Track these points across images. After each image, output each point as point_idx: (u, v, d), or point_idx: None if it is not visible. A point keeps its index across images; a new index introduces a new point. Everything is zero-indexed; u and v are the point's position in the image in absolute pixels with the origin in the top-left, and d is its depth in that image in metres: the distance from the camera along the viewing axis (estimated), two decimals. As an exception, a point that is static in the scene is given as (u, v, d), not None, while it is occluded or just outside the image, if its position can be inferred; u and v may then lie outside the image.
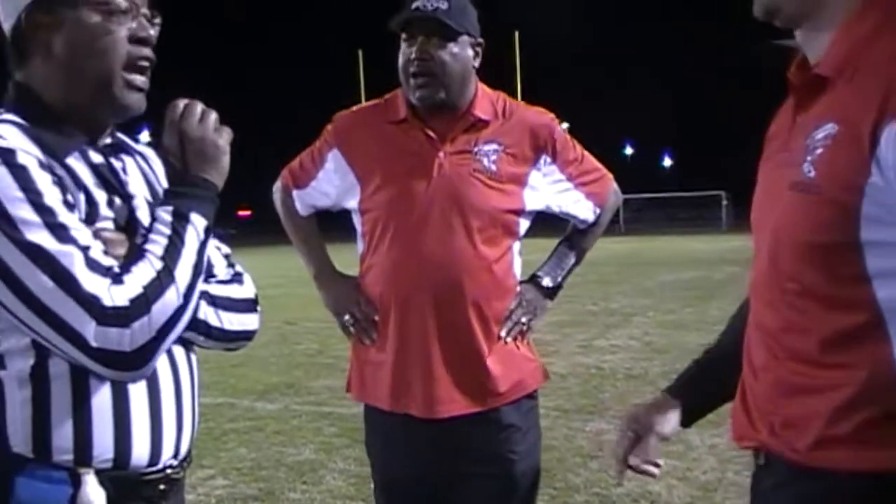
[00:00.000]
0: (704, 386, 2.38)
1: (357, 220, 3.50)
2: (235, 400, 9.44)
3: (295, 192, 3.65)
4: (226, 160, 2.09)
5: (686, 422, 2.39)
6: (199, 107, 2.08)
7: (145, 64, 2.08)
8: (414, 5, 3.27)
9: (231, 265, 2.26)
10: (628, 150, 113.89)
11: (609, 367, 10.63)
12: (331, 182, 3.53)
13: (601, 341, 12.44)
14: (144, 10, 2.08)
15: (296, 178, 3.64)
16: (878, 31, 1.70)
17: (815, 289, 1.70)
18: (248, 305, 2.24)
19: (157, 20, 2.12)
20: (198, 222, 1.99)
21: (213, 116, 2.09)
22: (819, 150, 1.68)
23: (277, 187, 3.73)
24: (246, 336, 2.24)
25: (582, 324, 14.33)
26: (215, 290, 2.14)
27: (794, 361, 1.77)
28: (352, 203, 3.48)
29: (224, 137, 2.09)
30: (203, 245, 1.99)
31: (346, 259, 3.58)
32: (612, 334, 13.13)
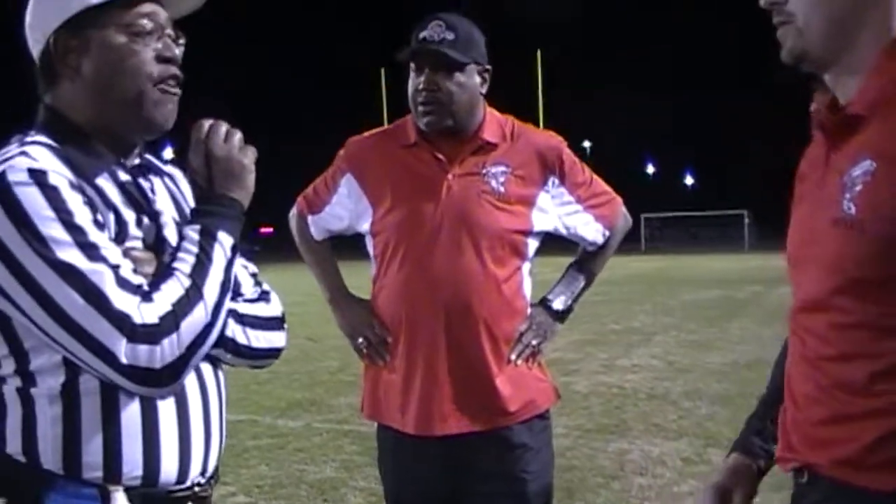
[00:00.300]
0: (772, 435, 2.36)
1: (369, 243, 3.55)
2: (258, 417, 9.44)
3: (310, 218, 3.72)
4: (251, 179, 2.11)
5: (762, 472, 2.38)
6: (223, 126, 2.11)
7: (173, 80, 2.11)
8: (421, 36, 3.33)
9: (258, 283, 2.28)
10: (650, 169, 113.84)
11: (631, 387, 10.59)
12: (344, 206, 3.59)
13: (623, 360, 12.40)
14: (169, 31, 2.12)
15: (310, 204, 3.71)
16: None
17: (867, 321, 1.70)
18: (275, 323, 2.25)
19: (182, 40, 2.16)
20: (225, 240, 2.01)
21: (238, 136, 2.11)
22: (858, 188, 1.69)
23: (293, 213, 3.80)
24: (273, 353, 2.25)
25: (604, 343, 14.28)
26: (243, 308, 2.16)
27: (842, 391, 1.77)
28: (364, 226, 3.54)
29: (249, 156, 2.11)
30: (230, 262, 2.01)
31: (359, 280, 3.61)
32: (634, 353, 13.08)
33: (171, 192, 2.22)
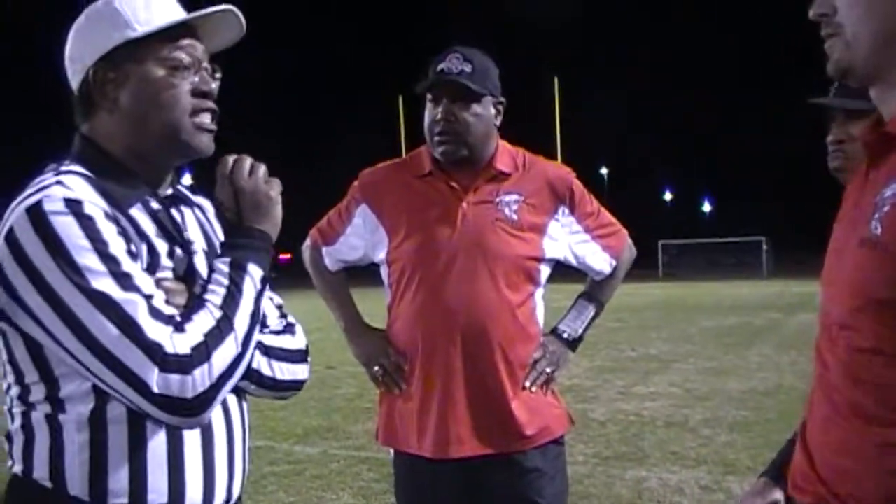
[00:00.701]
0: None
1: (384, 272, 3.59)
2: (275, 443, 9.44)
3: (324, 249, 3.77)
4: (278, 210, 2.15)
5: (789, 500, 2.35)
6: (248, 161, 2.15)
7: (209, 114, 2.14)
8: (439, 67, 3.41)
9: (283, 315, 2.30)
10: (668, 196, 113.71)
11: (649, 414, 10.55)
12: (360, 236, 3.64)
13: (641, 388, 12.36)
14: (206, 65, 2.16)
15: (324, 236, 3.76)
16: None
17: (883, 346, 1.66)
18: (299, 356, 2.28)
19: (218, 74, 2.19)
20: (254, 272, 2.05)
21: (263, 169, 2.15)
22: (886, 208, 1.66)
23: (306, 246, 3.85)
24: (296, 386, 2.28)
25: (622, 370, 14.23)
26: (268, 340, 2.19)
27: (860, 419, 1.73)
28: (380, 255, 3.58)
29: (275, 189, 2.15)
30: (260, 294, 2.05)
31: (373, 308, 3.63)
32: (651, 381, 13.03)
33: (200, 223, 2.25)
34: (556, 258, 3.56)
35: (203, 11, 2.12)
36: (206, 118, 2.13)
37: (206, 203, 2.34)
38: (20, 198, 1.92)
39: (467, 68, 3.39)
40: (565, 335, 3.66)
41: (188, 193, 2.30)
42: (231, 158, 2.15)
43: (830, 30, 1.77)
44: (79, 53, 2.12)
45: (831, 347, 1.84)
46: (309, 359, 2.32)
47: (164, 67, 2.08)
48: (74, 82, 2.14)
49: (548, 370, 3.51)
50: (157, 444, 1.97)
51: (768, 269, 55.33)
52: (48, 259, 1.84)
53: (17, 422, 2.00)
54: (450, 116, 3.40)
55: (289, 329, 2.29)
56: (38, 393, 1.96)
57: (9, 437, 2.03)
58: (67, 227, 1.86)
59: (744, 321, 22.89)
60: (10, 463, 2.04)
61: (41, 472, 1.97)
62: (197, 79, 2.12)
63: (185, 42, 2.12)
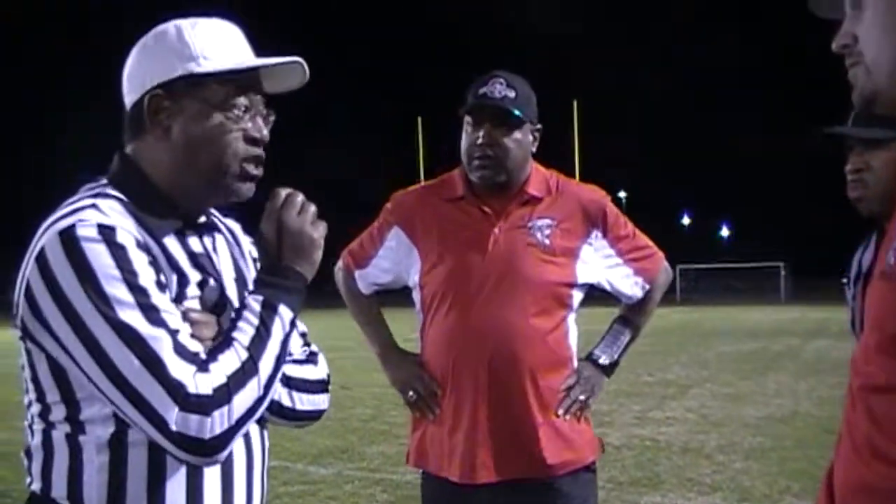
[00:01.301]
0: None
1: (416, 296, 3.59)
2: (289, 464, 9.44)
3: (357, 273, 3.76)
4: (319, 254, 2.13)
5: None
6: (299, 198, 2.12)
7: (256, 162, 2.13)
8: (481, 91, 3.41)
9: (307, 344, 2.29)
10: (685, 220, 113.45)
11: (665, 440, 10.50)
12: (392, 259, 3.64)
13: (657, 413, 12.31)
14: (261, 108, 2.14)
15: (356, 259, 3.75)
16: None
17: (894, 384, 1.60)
18: (320, 386, 2.27)
19: (272, 118, 2.18)
20: (285, 314, 2.03)
21: (312, 210, 2.13)
22: None
23: (339, 268, 3.83)
24: (316, 416, 2.27)
25: (638, 394, 14.18)
26: (291, 370, 2.17)
27: (878, 461, 1.66)
28: (413, 278, 3.58)
29: (320, 231, 2.13)
30: (287, 337, 2.03)
31: (405, 329, 3.63)
32: (668, 406, 12.99)
33: (230, 250, 2.25)
34: (590, 282, 3.54)
35: (271, 60, 2.10)
36: (252, 166, 2.12)
37: (235, 227, 2.34)
38: (53, 218, 1.92)
39: (510, 94, 3.40)
40: (600, 361, 3.62)
41: (219, 217, 2.29)
42: (284, 193, 2.12)
43: (853, 59, 1.73)
44: (138, 73, 2.10)
45: (852, 384, 1.81)
46: (330, 388, 2.31)
47: (221, 110, 2.06)
48: (128, 99, 2.12)
49: (581, 397, 3.48)
50: (176, 468, 1.97)
51: (786, 295, 55.09)
52: (77, 286, 1.84)
53: (38, 438, 2.00)
54: (491, 141, 3.40)
55: (311, 359, 2.28)
56: (58, 413, 1.96)
57: (28, 454, 2.04)
58: (99, 255, 1.86)
59: (761, 347, 22.81)
60: (28, 480, 2.04)
61: (59, 491, 1.97)
62: (250, 125, 2.10)
63: (246, 86, 2.10)
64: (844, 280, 3.42)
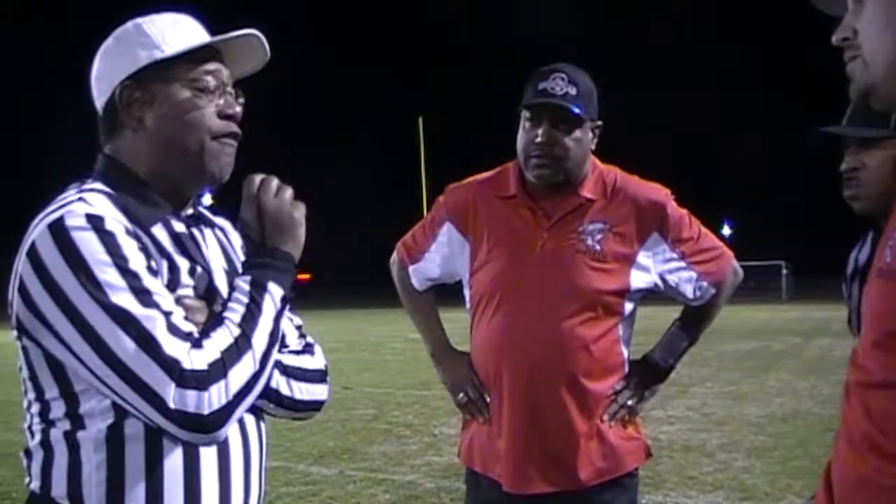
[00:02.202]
0: None
1: (467, 294, 3.53)
2: (291, 464, 9.44)
3: (410, 268, 3.70)
4: (301, 231, 2.17)
5: None
6: (274, 181, 2.17)
7: (232, 137, 2.17)
8: (542, 86, 3.28)
9: (302, 335, 2.31)
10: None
11: (667, 439, 10.50)
12: (445, 254, 3.58)
13: (659, 412, 12.29)
14: (230, 89, 2.19)
15: (410, 253, 3.69)
16: None
17: (892, 380, 1.61)
18: (318, 376, 2.29)
19: (241, 99, 2.22)
20: (275, 291, 2.06)
21: (289, 191, 2.17)
22: None
23: (394, 261, 3.78)
24: (315, 406, 2.29)
25: (639, 393, 14.10)
26: (288, 359, 2.19)
27: (875, 456, 1.67)
28: (464, 275, 3.52)
29: (299, 210, 2.17)
30: (280, 313, 2.06)
31: (462, 328, 3.59)
32: (669, 405, 12.97)
33: (220, 243, 2.28)
34: (646, 288, 3.41)
35: (228, 35, 2.16)
36: (228, 144, 2.16)
37: (226, 224, 2.37)
38: (43, 214, 1.95)
39: (572, 91, 3.26)
40: (655, 365, 3.53)
41: (209, 214, 2.33)
42: (258, 178, 2.17)
43: (852, 52, 1.73)
44: (106, 72, 2.15)
45: (849, 381, 1.81)
46: (328, 379, 2.33)
47: (191, 89, 2.12)
48: (100, 102, 2.17)
49: (629, 402, 3.39)
50: (174, 463, 1.98)
51: (788, 294, 55.08)
52: (69, 274, 1.87)
53: (37, 438, 2.02)
54: (550, 140, 3.26)
55: (308, 349, 2.30)
56: (57, 410, 1.97)
57: (28, 454, 2.05)
58: (88, 243, 1.89)
59: (763, 346, 22.81)
60: (28, 479, 2.05)
61: (59, 490, 1.98)
62: (222, 101, 2.15)
63: (211, 66, 2.15)
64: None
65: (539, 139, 3.27)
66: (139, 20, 2.16)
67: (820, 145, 3.14)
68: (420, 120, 57.46)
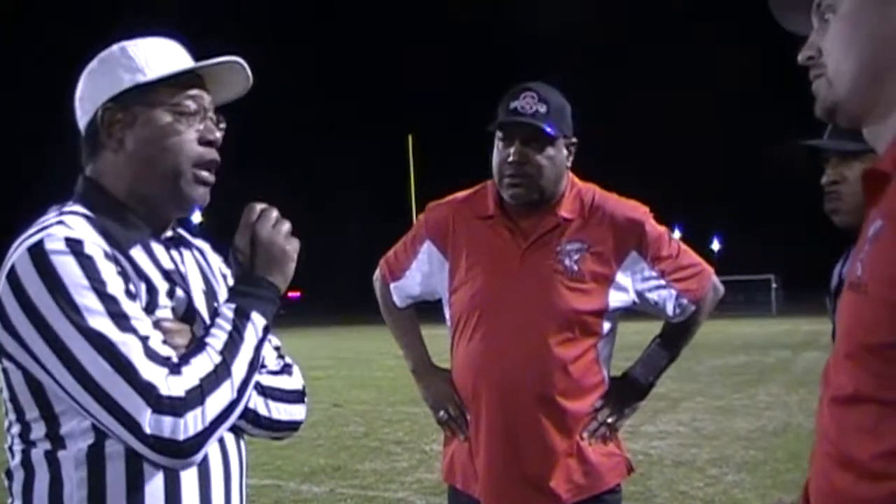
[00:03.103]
0: None
1: (447, 312, 3.55)
2: (281, 482, 9.41)
3: (392, 285, 3.71)
4: (291, 266, 2.19)
5: None
6: (274, 213, 2.19)
7: (210, 165, 2.18)
8: (512, 106, 3.29)
9: (280, 356, 2.32)
10: (677, 233, 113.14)
11: (657, 454, 10.50)
12: (424, 272, 3.59)
13: (649, 427, 12.30)
14: (211, 115, 2.20)
15: (392, 270, 3.70)
16: None
17: (867, 395, 1.60)
18: (296, 396, 2.29)
19: (222, 125, 2.23)
20: (257, 321, 2.07)
21: (287, 226, 2.19)
22: (867, 248, 1.63)
23: (377, 278, 3.80)
24: (293, 426, 2.29)
25: (630, 408, 14.10)
26: (266, 380, 2.20)
27: (846, 470, 1.66)
28: (443, 294, 3.53)
29: (293, 245, 2.19)
30: (261, 343, 2.07)
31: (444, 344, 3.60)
32: (659, 419, 12.98)
33: (199, 265, 2.29)
34: (624, 307, 3.41)
35: (211, 61, 2.17)
36: (206, 172, 2.17)
37: (205, 246, 2.39)
38: (23, 237, 1.96)
39: (542, 109, 3.26)
40: (636, 382, 3.53)
41: (188, 236, 2.34)
42: (259, 207, 2.19)
43: (817, 71, 1.76)
44: (89, 93, 2.17)
45: (823, 395, 1.82)
46: (306, 399, 2.33)
47: (172, 113, 2.13)
48: (82, 122, 2.18)
49: (609, 420, 3.38)
50: (155, 482, 1.98)
51: (777, 307, 55.21)
52: (48, 297, 1.87)
53: (17, 459, 2.02)
54: (522, 159, 3.27)
55: (286, 369, 2.30)
56: (38, 430, 1.98)
57: (9, 474, 2.05)
58: (67, 267, 1.89)
59: (752, 360, 22.84)
60: (9, 500, 2.05)
61: None
62: (202, 127, 2.16)
63: (193, 91, 2.16)
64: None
65: (511, 158, 3.29)
66: (124, 43, 2.18)
67: (806, 157, 3.16)
68: (409, 137, 57.58)
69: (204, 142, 2.16)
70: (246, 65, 2.21)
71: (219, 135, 2.19)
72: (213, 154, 2.18)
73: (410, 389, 16.37)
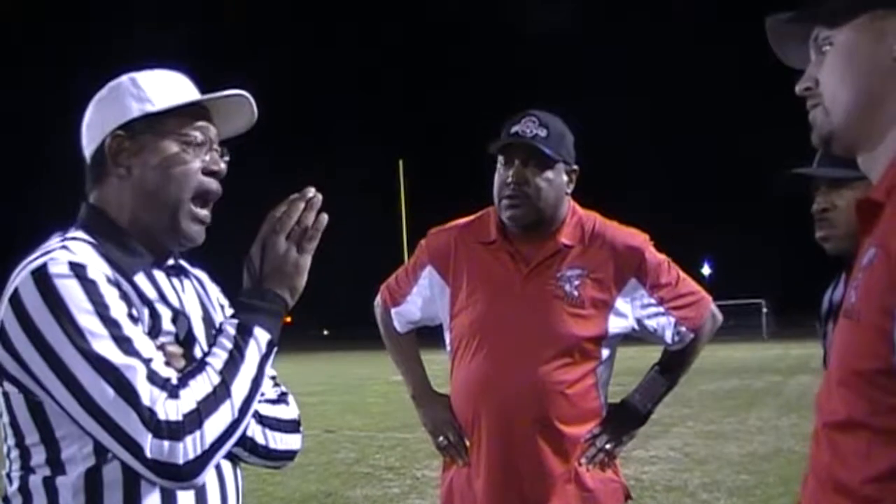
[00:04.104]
0: None
1: (447, 337, 3.57)
2: (272, 509, 9.35)
3: (393, 311, 3.74)
4: (301, 281, 2.14)
5: None
6: (292, 220, 2.12)
7: (211, 198, 2.20)
8: (513, 130, 3.34)
9: (276, 385, 2.32)
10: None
11: (648, 479, 10.48)
12: (425, 297, 3.62)
13: (640, 452, 12.28)
14: (216, 146, 2.23)
15: (392, 295, 3.73)
16: None
17: (858, 420, 1.62)
18: (293, 426, 2.30)
19: (226, 157, 2.25)
20: (261, 336, 2.05)
21: (310, 238, 2.13)
22: (860, 276, 1.66)
23: (377, 303, 3.82)
24: (289, 456, 2.30)
25: (621, 433, 14.06)
26: (264, 409, 2.21)
27: (839, 495, 1.68)
28: (444, 319, 3.56)
29: (305, 258, 2.13)
30: (264, 359, 2.05)
31: (442, 368, 3.61)
32: (651, 445, 12.95)
33: (197, 293, 2.30)
34: (623, 333, 3.44)
35: (218, 94, 2.20)
36: (203, 210, 2.19)
37: (203, 275, 2.40)
38: (26, 261, 1.98)
39: (542, 132, 3.32)
40: (634, 409, 3.55)
41: (187, 265, 2.35)
42: (277, 213, 2.12)
43: (814, 101, 1.80)
44: (97, 121, 2.19)
45: (816, 420, 1.83)
46: (302, 429, 2.34)
47: (179, 143, 2.15)
48: (89, 150, 2.20)
49: (607, 446, 3.41)
50: None
51: (768, 332, 55.30)
52: (51, 320, 1.89)
53: (15, 485, 2.02)
54: (521, 180, 3.32)
55: (283, 398, 2.31)
56: (38, 455, 1.98)
57: (6, 501, 2.05)
58: (71, 290, 1.91)
59: (743, 384, 22.83)
60: None
61: None
62: (208, 158, 2.18)
63: (200, 122, 2.19)
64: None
65: (510, 179, 3.33)
66: (134, 74, 2.21)
67: (792, 186, 3.18)
68: (400, 162, 57.62)
69: (208, 172, 2.18)
70: (252, 99, 2.23)
71: (223, 166, 2.22)
72: (215, 185, 2.19)
73: (402, 415, 16.32)
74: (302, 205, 2.13)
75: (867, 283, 1.63)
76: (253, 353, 2.03)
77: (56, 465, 1.97)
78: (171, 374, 1.94)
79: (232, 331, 2.04)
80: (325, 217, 2.14)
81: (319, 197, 2.14)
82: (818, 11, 1.78)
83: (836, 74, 1.74)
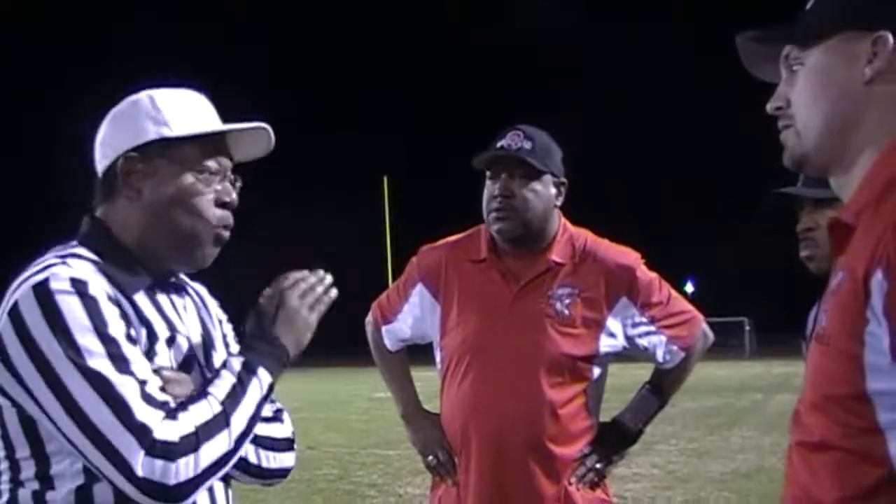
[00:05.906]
0: None
1: (437, 356, 3.56)
2: (254, 526, 9.31)
3: (384, 329, 3.72)
4: (308, 336, 2.19)
5: None
6: (306, 284, 2.18)
7: (223, 229, 2.20)
8: (499, 144, 3.36)
9: (271, 401, 2.31)
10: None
11: (632, 497, 10.48)
12: (416, 315, 3.60)
13: (623, 469, 12.21)
14: (230, 174, 2.22)
15: (383, 313, 3.72)
16: None
17: (832, 443, 1.63)
18: (286, 444, 2.32)
19: (238, 184, 2.25)
20: (263, 377, 2.07)
21: (322, 300, 2.20)
22: (830, 300, 1.66)
23: (369, 321, 3.81)
24: (282, 474, 2.32)
25: (604, 451, 14.06)
26: (258, 428, 2.19)
27: None
28: (434, 337, 3.55)
29: (314, 317, 2.19)
30: (263, 399, 2.07)
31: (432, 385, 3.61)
32: (634, 462, 12.90)
33: (198, 310, 2.31)
34: (614, 352, 3.45)
35: (239, 126, 2.19)
36: (226, 231, 2.19)
37: (202, 289, 2.40)
38: (25, 276, 1.98)
39: (527, 145, 3.33)
40: (625, 428, 3.55)
41: (187, 280, 2.34)
42: (294, 276, 2.19)
43: (785, 121, 1.80)
44: (112, 139, 2.18)
45: (794, 439, 1.84)
46: (295, 447, 2.34)
47: (193, 172, 2.14)
48: (101, 166, 2.19)
49: (597, 466, 3.41)
50: None
51: (751, 350, 55.32)
52: (49, 335, 1.89)
53: (5, 498, 2.02)
54: (507, 192, 3.32)
55: (278, 416, 2.32)
56: (28, 470, 1.98)
57: None
58: (71, 307, 1.91)
59: (726, 402, 22.87)
60: None
61: None
62: (220, 188, 2.17)
63: (216, 151, 2.17)
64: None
65: (497, 192, 3.34)
66: (153, 92, 2.19)
67: (775, 205, 3.20)
68: (385, 179, 57.62)
69: (220, 203, 2.17)
70: (271, 131, 2.22)
71: (235, 196, 2.21)
72: (228, 218, 2.19)
73: (384, 432, 16.28)
74: (314, 280, 2.19)
75: (836, 307, 1.63)
76: (254, 391, 2.04)
77: (45, 479, 1.97)
78: (167, 399, 1.94)
79: (237, 366, 2.05)
80: (334, 292, 2.22)
81: (330, 277, 2.22)
82: (789, 32, 1.78)
83: (808, 97, 1.74)
